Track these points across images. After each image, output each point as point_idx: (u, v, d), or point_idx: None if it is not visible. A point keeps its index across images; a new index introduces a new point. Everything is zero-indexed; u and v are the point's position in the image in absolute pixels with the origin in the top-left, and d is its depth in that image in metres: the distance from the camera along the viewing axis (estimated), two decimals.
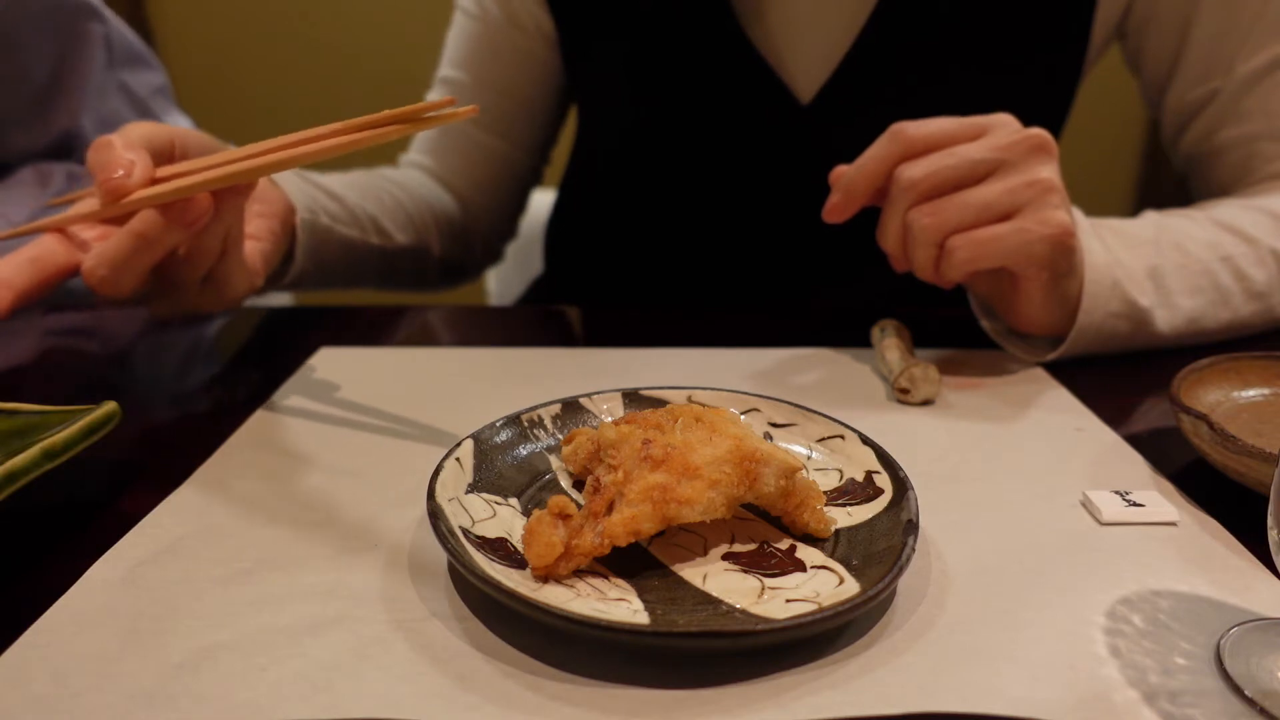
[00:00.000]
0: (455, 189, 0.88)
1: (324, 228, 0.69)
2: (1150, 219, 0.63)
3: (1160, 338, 0.60)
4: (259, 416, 0.52)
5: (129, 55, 0.96)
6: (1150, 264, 0.59)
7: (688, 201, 0.81)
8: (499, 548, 0.36)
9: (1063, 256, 0.54)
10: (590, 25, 0.79)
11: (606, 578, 0.35)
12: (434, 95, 0.87)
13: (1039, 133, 0.53)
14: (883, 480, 0.41)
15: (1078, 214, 0.58)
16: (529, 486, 0.42)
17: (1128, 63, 0.79)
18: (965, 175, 0.52)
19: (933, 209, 0.53)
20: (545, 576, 0.35)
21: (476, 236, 0.91)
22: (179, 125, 1.03)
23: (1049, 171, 0.53)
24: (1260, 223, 0.63)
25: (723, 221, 0.80)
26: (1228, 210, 0.65)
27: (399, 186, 0.82)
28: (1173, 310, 0.60)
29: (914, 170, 0.53)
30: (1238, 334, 0.63)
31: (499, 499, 0.40)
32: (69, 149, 0.93)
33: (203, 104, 2.10)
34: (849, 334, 0.63)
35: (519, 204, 0.94)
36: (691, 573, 0.36)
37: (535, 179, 0.93)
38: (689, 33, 0.74)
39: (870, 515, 0.39)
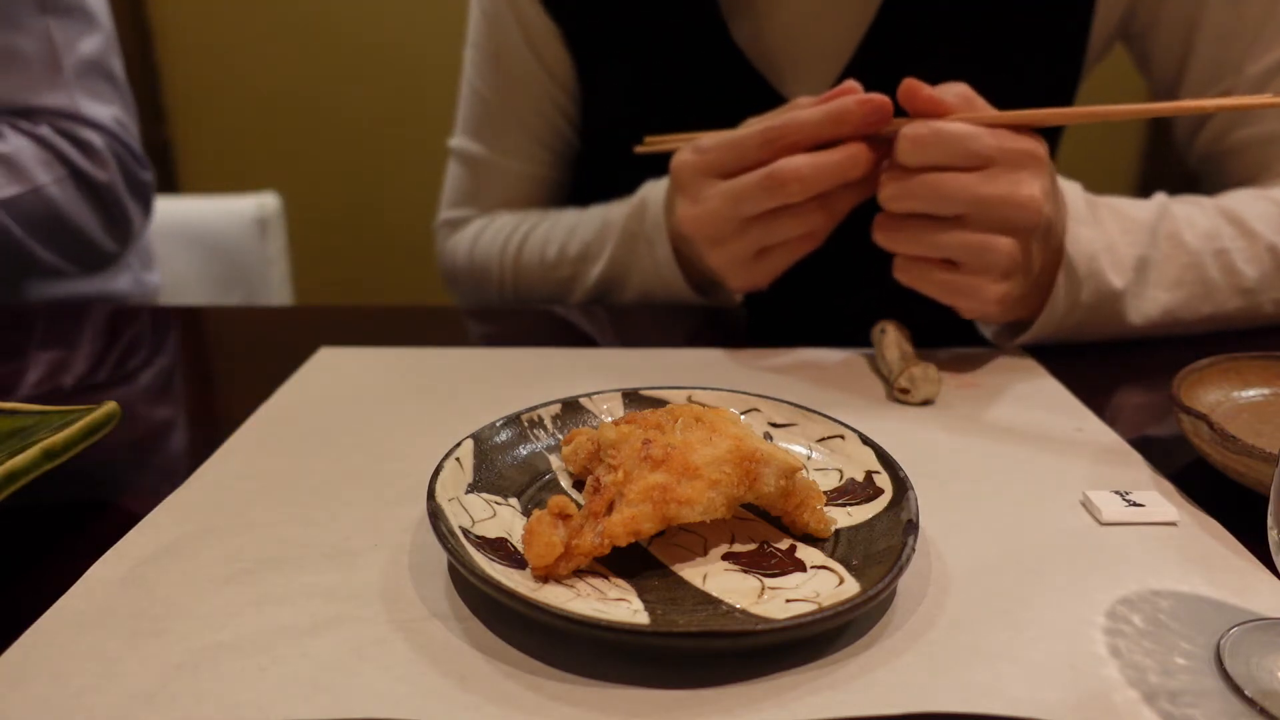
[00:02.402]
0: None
1: None
2: (1157, 202, 0.63)
3: (1132, 328, 0.61)
4: (259, 416, 0.52)
5: (67, 8, 0.85)
6: (1140, 253, 0.60)
7: None
8: (499, 548, 0.36)
9: (980, 316, 0.57)
10: (598, 49, 0.79)
11: (606, 578, 0.35)
12: (458, 140, 0.87)
13: (1032, 199, 0.52)
14: (883, 480, 0.41)
15: (1077, 195, 0.58)
16: (529, 486, 0.42)
17: (1136, 65, 0.79)
18: (957, 176, 0.53)
19: (892, 230, 0.55)
20: (545, 576, 0.35)
21: None
22: (103, 109, 0.87)
23: (1010, 246, 0.53)
24: (1267, 215, 0.63)
25: None
26: (1238, 199, 0.65)
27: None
28: (1148, 301, 0.60)
29: (906, 148, 0.53)
30: (1219, 327, 0.64)
31: (499, 499, 0.40)
32: None
33: (202, 103, 2.10)
34: (849, 334, 0.63)
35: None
36: (691, 573, 0.36)
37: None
38: (688, 53, 0.74)
39: (870, 515, 0.39)
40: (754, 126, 0.56)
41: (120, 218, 0.91)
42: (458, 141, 0.87)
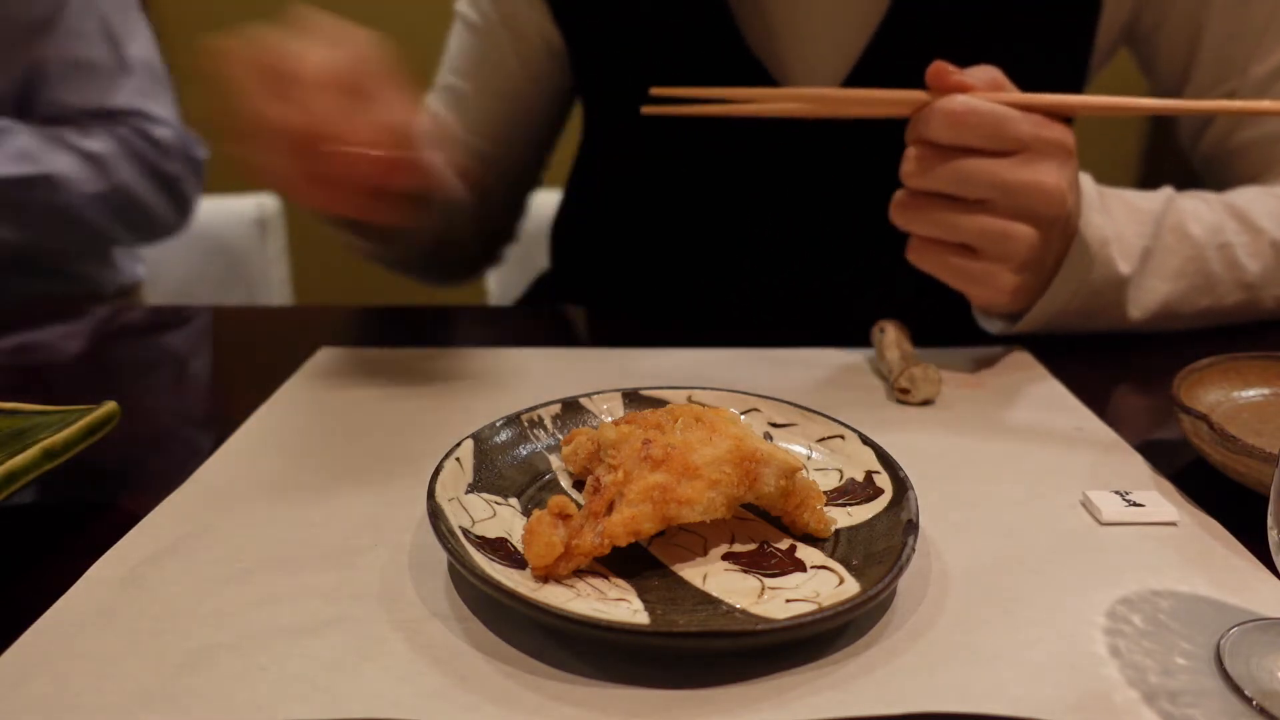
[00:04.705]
0: None
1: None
2: (1164, 195, 0.63)
3: (1130, 319, 0.61)
4: (259, 416, 0.52)
5: (123, 17, 0.95)
6: (1145, 244, 0.60)
7: (694, 206, 0.81)
8: (499, 548, 0.36)
9: (991, 304, 0.57)
10: (598, 40, 0.79)
11: (606, 578, 0.35)
12: (433, 100, 0.85)
13: (1058, 189, 0.52)
14: (883, 480, 0.41)
15: (1089, 185, 0.58)
16: (529, 486, 0.42)
17: (1141, 67, 0.79)
18: (978, 160, 0.52)
19: (911, 209, 0.54)
20: (545, 576, 0.35)
21: (477, 242, 0.90)
22: (163, 106, 0.99)
23: (1030, 235, 0.52)
24: (1272, 211, 0.63)
25: (728, 225, 0.80)
26: (1244, 195, 0.65)
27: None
28: (1146, 292, 0.60)
29: (940, 123, 0.52)
30: (1218, 321, 0.64)
31: (499, 499, 0.40)
32: (33, 80, 0.91)
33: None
34: (849, 334, 0.63)
35: (519, 208, 0.93)
36: (691, 573, 0.36)
37: (536, 182, 0.92)
38: (695, 50, 0.74)
39: (870, 515, 0.39)
40: None
41: (183, 200, 1.05)
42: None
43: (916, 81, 0.54)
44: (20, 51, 0.89)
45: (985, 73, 0.54)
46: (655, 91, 0.59)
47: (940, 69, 0.53)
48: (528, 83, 0.83)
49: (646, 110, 0.60)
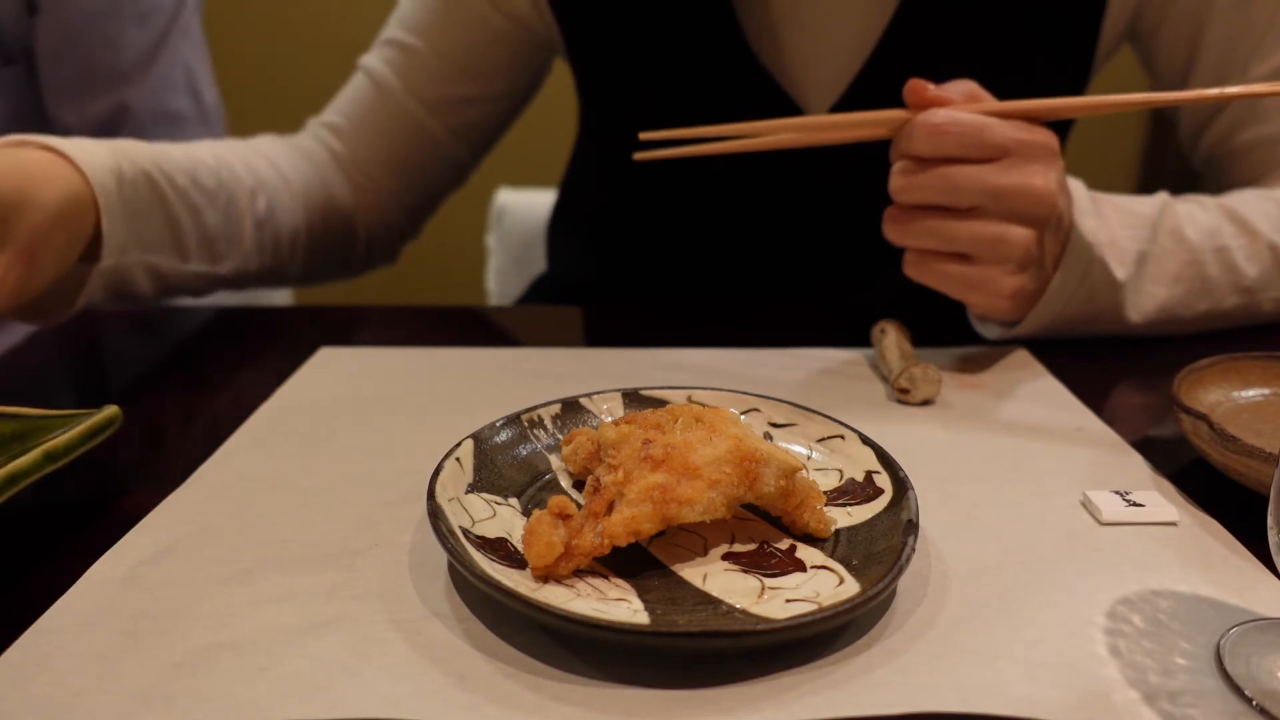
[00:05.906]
0: (358, 169, 0.80)
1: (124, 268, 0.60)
2: (1159, 199, 0.63)
3: (1129, 324, 0.61)
4: (259, 416, 0.52)
5: (186, 27, 0.94)
6: (1141, 248, 0.60)
7: (694, 208, 0.81)
8: (499, 548, 0.36)
9: (992, 310, 0.57)
10: (600, 39, 0.78)
11: (606, 578, 0.35)
12: (373, 59, 0.80)
13: (1046, 190, 0.52)
14: (883, 480, 0.41)
15: (1080, 190, 0.59)
16: (529, 486, 0.42)
17: (1143, 65, 0.78)
18: (966, 167, 0.52)
19: (903, 222, 0.54)
20: (545, 576, 0.35)
21: (362, 232, 0.83)
22: (210, 93, 0.99)
23: (1025, 236, 0.53)
24: (1269, 214, 0.63)
25: (729, 226, 0.80)
26: (1241, 198, 0.65)
27: (270, 188, 0.72)
28: (1145, 296, 0.60)
29: (922, 137, 0.52)
30: (1216, 325, 0.64)
31: (499, 499, 0.40)
32: (114, 127, 0.90)
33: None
34: (849, 334, 0.63)
35: (433, 203, 0.87)
36: (691, 573, 0.36)
37: (460, 180, 0.87)
38: (699, 53, 0.74)
39: (870, 515, 0.39)
40: None
41: None
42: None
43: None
44: (106, 97, 0.88)
45: (962, 86, 0.55)
46: (644, 136, 0.59)
47: (917, 86, 0.54)
48: (494, 62, 0.79)
49: (639, 156, 0.60)
